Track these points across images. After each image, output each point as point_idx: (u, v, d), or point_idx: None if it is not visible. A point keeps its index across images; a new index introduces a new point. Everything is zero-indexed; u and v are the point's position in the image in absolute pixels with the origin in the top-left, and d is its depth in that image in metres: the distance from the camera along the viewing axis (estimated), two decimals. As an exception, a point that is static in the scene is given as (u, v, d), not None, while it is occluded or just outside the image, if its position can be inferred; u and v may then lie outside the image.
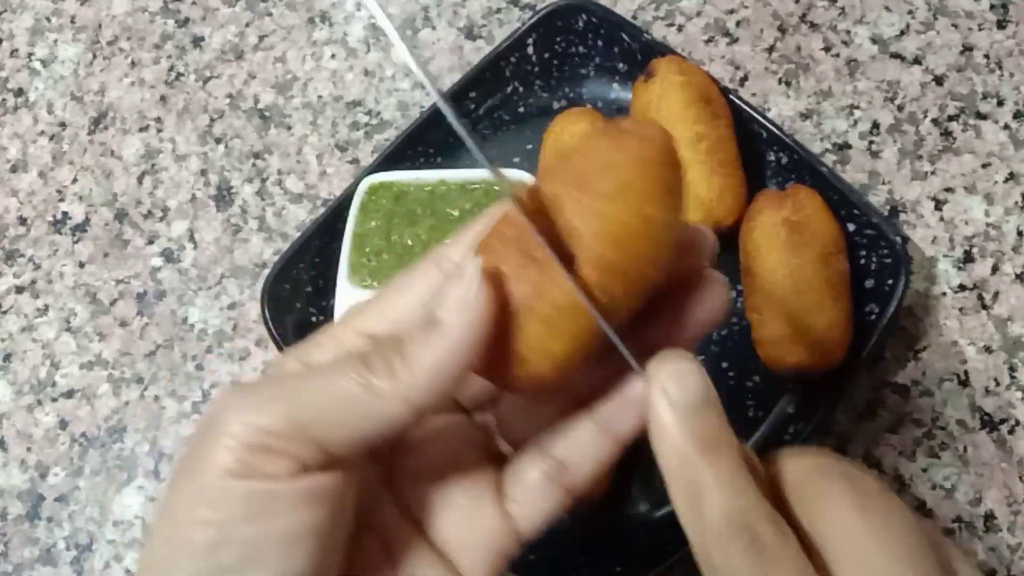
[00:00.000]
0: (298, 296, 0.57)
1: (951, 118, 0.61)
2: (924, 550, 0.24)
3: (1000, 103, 0.61)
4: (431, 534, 0.29)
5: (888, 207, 0.59)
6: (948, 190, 0.59)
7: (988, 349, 0.55)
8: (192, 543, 0.25)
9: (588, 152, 0.26)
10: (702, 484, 0.25)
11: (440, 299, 0.25)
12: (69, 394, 0.60)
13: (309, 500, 0.25)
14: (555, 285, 0.25)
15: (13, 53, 0.71)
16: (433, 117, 0.60)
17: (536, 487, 0.29)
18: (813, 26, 0.64)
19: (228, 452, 0.25)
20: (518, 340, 0.26)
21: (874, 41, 0.63)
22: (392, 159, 0.59)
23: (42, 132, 0.68)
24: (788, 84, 0.63)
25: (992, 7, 0.63)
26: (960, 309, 0.56)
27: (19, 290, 0.64)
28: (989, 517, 0.52)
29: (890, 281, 0.53)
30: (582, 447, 0.29)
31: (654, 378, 0.26)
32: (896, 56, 0.63)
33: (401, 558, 0.29)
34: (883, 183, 0.59)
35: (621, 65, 0.61)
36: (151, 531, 0.28)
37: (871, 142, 0.61)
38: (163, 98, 0.68)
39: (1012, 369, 0.55)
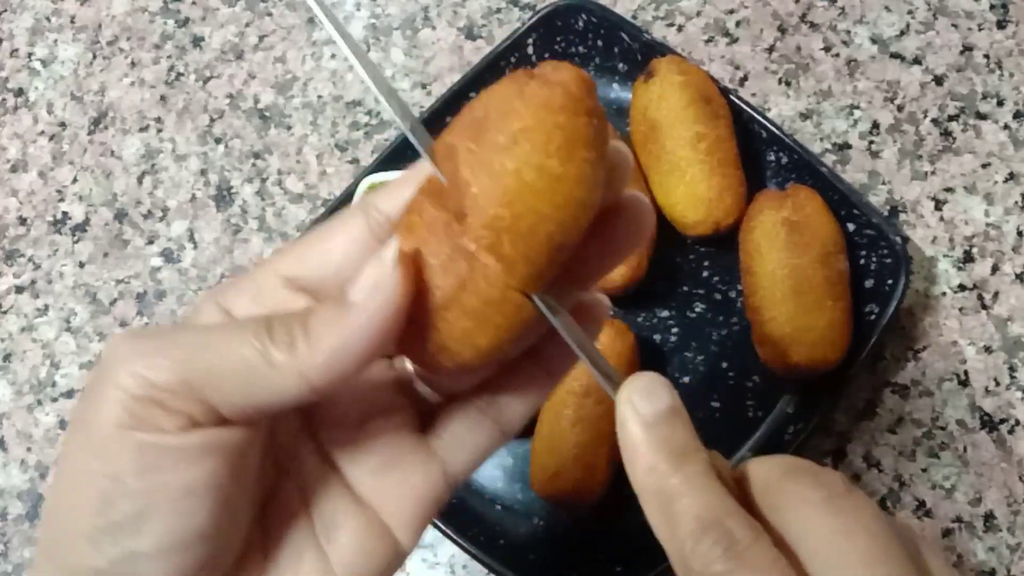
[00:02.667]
0: (298, 296, 0.57)
1: (951, 118, 0.61)
2: (895, 544, 0.24)
3: (1000, 103, 0.61)
4: (353, 483, 0.28)
5: (888, 207, 0.59)
6: (948, 190, 0.59)
7: (988, 349, 0.55)
8: (84, 497, 0.24)
9: (489, 98, 0.24)
10: (671, 490, 0.25)
11: (355, 278, 0.24)
12: (69, 394, 0.60)
13: (202, 454, 0.24)
14: (483, 278, 0.23)
15: (13, 53, 0.71)
16: (433, 117, 0.60)
17: (467, 423, 0.28)
18: (813, 26, 0.64)
19: (117, 404, 0.23)
20: (442, 332, 0.24)
21: (874, 41, 0.63)
22: (392, 159, 0.59)
23: (42, 132, 0.68)
24: (788, 84, 0.63)
25: (992, 7, 0.63)
26: (960, 309, 0.56)
27: (19, 290, 0.64)
28: (989, 517, 0.52)
29: (890, 281, 0.53)
30: (516, 385, 0.28)
31: (622, 394, 0.26)
32: (896, 56, 0.63)
33: (319, 507, 0.28)
34: (883, 183, 0.59)
35: (621, 65, 0.61)
36: (50, 488, 0.27)
37: (871, 142, 0.61)
38: (163, 98, 0.68)
39: (1012, 369, 0.55)
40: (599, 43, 0.61)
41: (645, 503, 0.26)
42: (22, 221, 0.66)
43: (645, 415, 0.25)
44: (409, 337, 0.25)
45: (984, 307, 0.56)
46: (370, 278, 0.24)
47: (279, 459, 0.28)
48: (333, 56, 0.68)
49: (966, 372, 0.55)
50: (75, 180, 0.66)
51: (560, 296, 0.25)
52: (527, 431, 0.52)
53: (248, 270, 0.28)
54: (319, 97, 0.66)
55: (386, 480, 0.28)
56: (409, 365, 0.30)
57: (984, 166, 0.59)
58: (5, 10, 0.72)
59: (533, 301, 0.24)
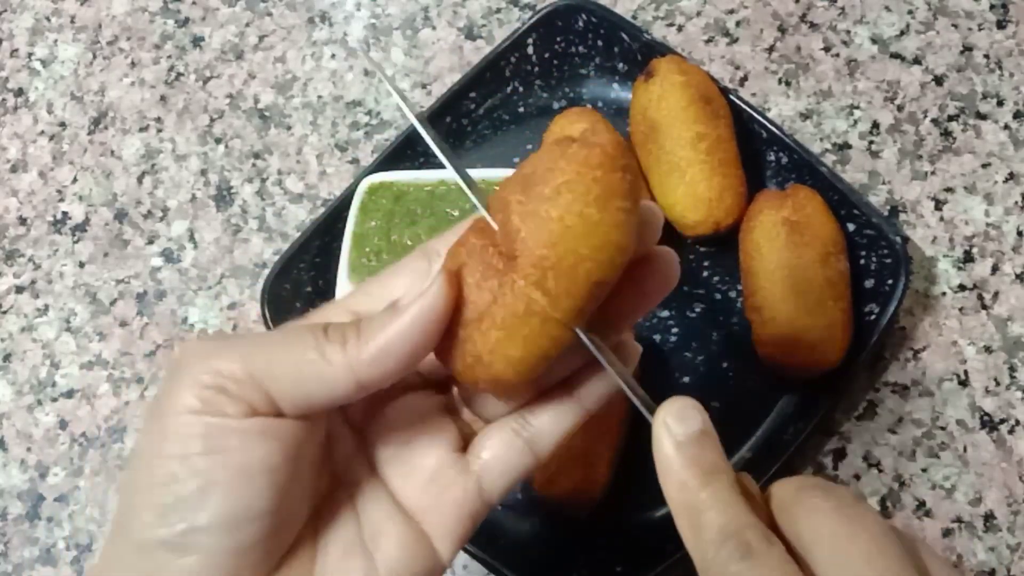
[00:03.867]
0: (298, 296, 0.58)
1: (951, 118, 0.61)
2: (897, 548, 0.26)
3: (1000, 103, 0.61)
4: (399, 496, 0.31)
5: (888, 207, 0.59)
6: (948, 190, 0.59)
7: (988, 349, 0.55)
8: (155, 476, 0.27)
9: (537, 159, 0.27)
10: (699, 504, 0.27)
11: (406, 291, 0.28)
12: (69, 394, 0.60)
13: (260, 438, 0.27)
14: (512, 293, 0.26)
15: (13, 53, 0.71)
16: (433, 117, 0.60)
17: (502, 443, 0.31)
18: (813, 26, 0.64)
19: (189, 392, 0.27)
20: (478, 344, 0.27)
21: (874, 41, 0.63)
22: (392, 159, 0.59)
23: (42, 132, 0.68)
24: (788, 84, 0.63)
25: (992, 7, 0.63)
26: (960, 309, 0.56)
27: (19, 290, 0.64)
28: (989, 517, 0.52)
29: (890, 281, 0.53)
30: (550, 411, 0.31)
31: (658, 417, 0.28)
32: (896, 56, 0.63)
33: (367, 515, 0.30)
34: (883, 183, 0.59)
35: (621, 65, 0.61)
36: (125, 470, 0.30)
37: (871, 142, 0.61)
38: (163, 98, 0.68)
39: (1012, 369, 0.55)
40: (599, 43, 0.61)
41: (676, 515, 0.28)
42: (22, 221, 0.66)
43: (677, 436, 0.28)
44: (449, 347, 0.28)
45: (984, 307, 0.56)
46: (416, 288, 0.27)
47: (335, 471, 0.31)
48: (333, 56, 0.68)
49: (966, 372, 0.55)
50: (75, 180, 0.66)
51: (599, 334, 0.29)
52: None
53: (322, 307, 0.32)
54: (319, 97, 0.66)
55: (429, 494, 0.31)
56: (456, 392, 0.33)
57: (984, 166, 0.59)
58: (5, 10, 0.72)
59: (577, 334, 0.27)
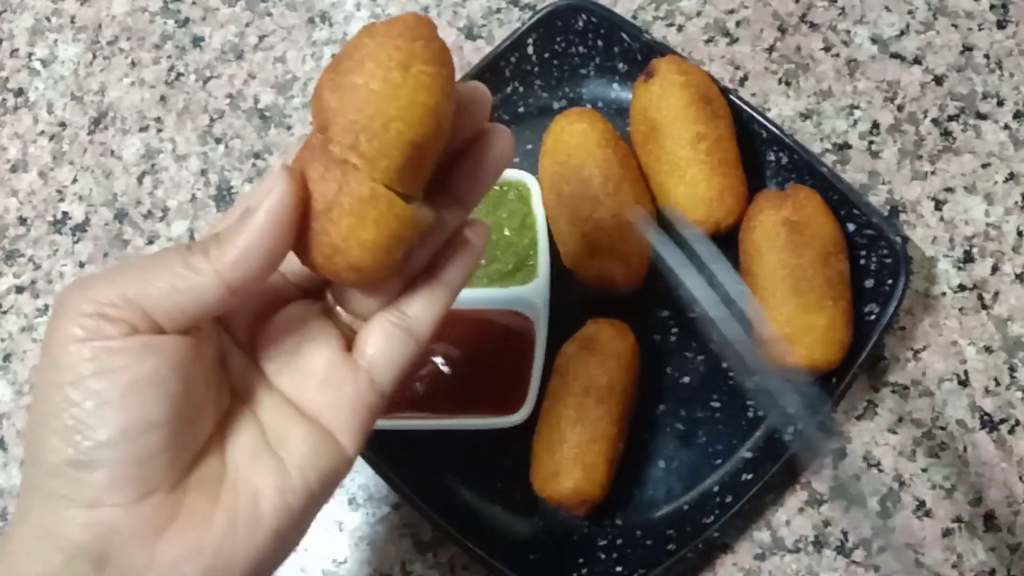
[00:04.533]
0: (298, 296, 0.57)
1: (951, 118, 0.61)
2: None
3: (1000, 103, 0.61)
4: (297, 401, 0.33)
5: (888, 207, 0.59)
6: (948, 190, 0.59)
7: (988, 349, 0.55)
8: (54, 403, 0.29)
9: (347, 45, 0.30)
10: None
11: (255, 196, 0.30)
12: (69, 394, 0.60)
13: (143, 353, 0.29)
14: (355, 180, 0.28)
15: (13, 53, 0.71)
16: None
17: (383, 336, 0.33)
18: (813, 26, 0.64)
19: (71, 323, 0.29)
20: (332, 234, 0.29)
21: (874, 41, 0.63)
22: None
23: (42, 132, 0.68)
24: (788, 84, 0.63)
25: (992, 7, 0.63)
26: (960, 309, 0.56)
27: (19, 290, 0.64)
28: (989, 517, 0.52)
29: (890, 281, 0.53)
30: (421, 297, 0.34)
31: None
32: (896, 56, 0.63)
33: (270, 423, 0.32)
34: (883, 183, 0.59)
35: (621, 65, 0.61)
36: (29, 409, 0.31)
37: (871, 142, 0.61)
38: (163, 98, 0.68)
39: (1012, 369, 0.55)
40: (599, 43, 0.61)
41: None
42: (22, 221, 0.66)
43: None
44: (306, 244, 0.30)
45: (984, 307, 0.56)
46: (263, 189, 0.29)
47: (233, 387, 0.33)
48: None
49: (966, 372, 0.55)
50: (75, 180, 0.66)
51: (445, 210, 0.32)
52: (527, 430, 0.52)
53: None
54: (319, 97, 0.66)
55: (324, 395, 0.32)
56: (329, 297, 0.34)
57: (984, 166, 0.59)
58: (5, 10, 0.72)
59: (423, 212, 0.30)
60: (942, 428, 0.54)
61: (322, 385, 0.33)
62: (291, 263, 0.32)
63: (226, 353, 0.33)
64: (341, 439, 0.32)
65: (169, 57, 0.69)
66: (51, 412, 0.29)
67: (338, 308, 0.34)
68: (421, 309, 0.33)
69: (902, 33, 0.63)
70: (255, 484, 0.31)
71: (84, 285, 0.29)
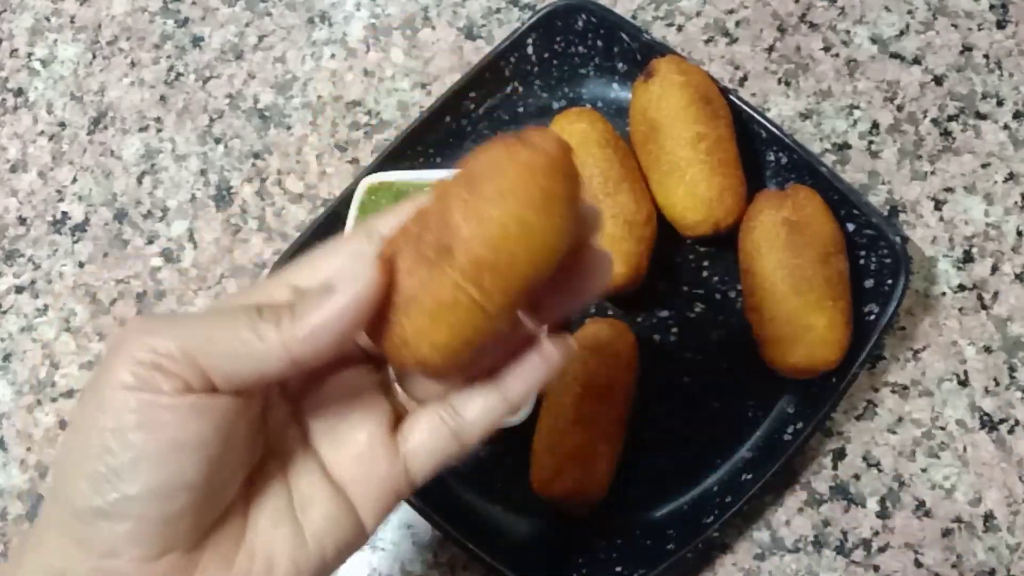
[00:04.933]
0: (298, 296, 0.57)
1: (951, 118, 0.61)
2: None
3: (1000, 103, 0.61)
4: (330, 467, 0.32)
5: (888, 207, 0.59)
6: (948, 190, 0.59)
7: (988, 349, 0.55)
8: (90, 447, 0.28)
9: (483, 157, 0.28)
10: None
11: (339, 272, 0.29)
12: (69, 394, 0.60)
13: (193, 415, 0.28)
14: (439, 282, 0.28)
15: (13, 53, 0.71)
16: (432, 117, 0.60)
17: (430, 430, 0.32)
18: (813, 26, 0.64)
19: (125, 368, 0.28)
20: (406, 327, 0.29)
21: (874, 41, 0.63)
22: (392, 159, 0.59)
23: (42, 132, 0.68)
24: (788, 84, 0.63)
25: (992, 7, 0.63)
26: (960, 309, 0.56)
27: (19, 290, 0.64)
28: (989, 517, 0.52)
29: (890, 281, 0.53)
30: (476, 401, 0.32)
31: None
32: (896, 56, 0.63)
33: (299, 486, 0.32)
34: (883, 183, 0.59)
35: (621, 65, 0.61)
36: (62, 441, 0.30)
37: (871, 142, 0.61)
38: (163, 98, 0.68)
39: (1012, 369, 0.55)
40: (599, 43, 0.61)
41: None
42: (22, 221, 0.66)
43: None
44: (380, 328, 0.29)
45: (984, 307, 0.56)
46: (352, 270, 0.28)
47: (268, 440, 0.32)
48: (333, 56, 0.68)
49: (966, 372, 0.55)
50: (75, 180, 0.66)
51: (524, 315, 0.31)
52: (527, 429, 0.52)
53: (260, 280, 0.31)
54: (319, 97, 0.66)
55: (358, 468, 0.32)
56: (391, 372, 0.34)
57: (984, 166, 0.59)
58: (5, 10, 0.72)
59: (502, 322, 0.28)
60: (942, 428, 0.54)
61: (359, 458, 0.32)
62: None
63: (270, 403, 0.32)
64: (363, 516, 0.32)
65: (169, 57, 0.69)
66: (85, 454, 0.28)
67: (396, 386, 0.34)
68: (474, 416, 0.32)
69: (902, 33, 0.63)
70: (272, 551, 0.30)
71: (145, 330, 0.29)
